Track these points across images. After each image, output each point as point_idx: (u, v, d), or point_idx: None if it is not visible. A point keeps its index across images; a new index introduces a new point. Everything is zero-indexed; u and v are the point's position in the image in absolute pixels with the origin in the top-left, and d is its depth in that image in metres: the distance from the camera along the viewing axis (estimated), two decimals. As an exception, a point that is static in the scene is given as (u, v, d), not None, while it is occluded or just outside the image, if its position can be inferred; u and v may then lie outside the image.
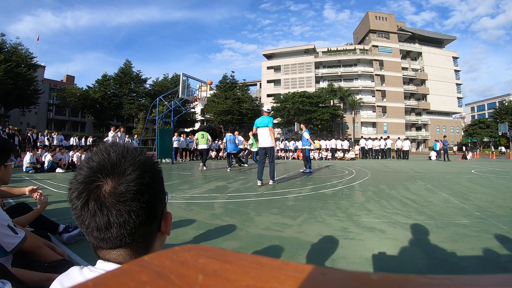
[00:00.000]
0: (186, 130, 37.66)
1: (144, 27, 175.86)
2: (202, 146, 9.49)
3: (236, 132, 10.58)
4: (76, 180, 0.50)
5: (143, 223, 0.50)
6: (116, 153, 0.51)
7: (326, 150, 18.97)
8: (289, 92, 37.35)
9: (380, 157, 18.67)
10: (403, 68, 43.06)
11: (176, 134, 14.31)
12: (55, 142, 13.76)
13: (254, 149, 10.67)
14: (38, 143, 12.56)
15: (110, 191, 0.48)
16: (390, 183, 5.84)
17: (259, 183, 5.24)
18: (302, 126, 8.80)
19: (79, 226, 0.50)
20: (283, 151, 20.06)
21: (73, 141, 17.85)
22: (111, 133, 10.86)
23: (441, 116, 44.40)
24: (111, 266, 0.49)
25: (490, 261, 1.88)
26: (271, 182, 5.41)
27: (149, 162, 0.53)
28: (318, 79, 43.22)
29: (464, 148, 29.29)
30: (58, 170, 8.24)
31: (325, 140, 20.06)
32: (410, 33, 44.50)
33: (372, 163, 13.31)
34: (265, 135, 5.50)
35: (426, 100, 43.27)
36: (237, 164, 10.20)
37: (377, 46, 42.77)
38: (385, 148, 18.70)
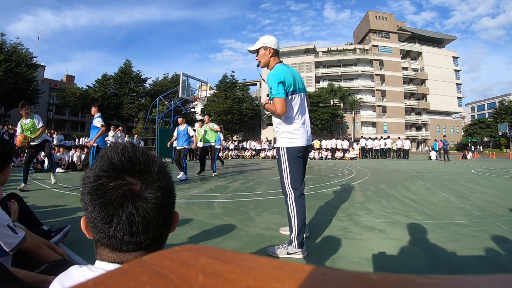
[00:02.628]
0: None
1: (144, 27, 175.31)
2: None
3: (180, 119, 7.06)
4: (99, 184, 0.47)
5: (168, 225, 0.53)
6: (142, 155, 0.51)
7: (326, 150, 18.98)
8: (289, 92, 37.30)
9: (380, 157, 18.68)
10: (403, 68, 43.02)
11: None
12: (55, 142, 13.76)
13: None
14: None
15: (144, 194, 0.48)
16: (390, 182, 5.84)
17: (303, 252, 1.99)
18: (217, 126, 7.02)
19: (100, 232, 0.48)
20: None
21: (82, 141, 18.16)
22: (111, 133, 10.84)
23: (441, 116, 44.38)
24: (111, 266, 0.49)
25: (490, 261, 1.87)
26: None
27: (168, 167, 0.55)
28: (318, 79, 43.18)
29: (467, 148, 29.26)
30: (58, 170, 8.24)
31: (325, 140, 20.08)
32: (410, 33, 44.46)
33: (372, 163, 13.31)
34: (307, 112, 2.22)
35: (426, 100, 43.24)
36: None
37: (377, 46, 42.73)
38: (385, 148, 18.72)
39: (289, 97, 2.05)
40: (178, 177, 6.12)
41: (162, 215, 0.49)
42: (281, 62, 2.17)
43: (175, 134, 6.69)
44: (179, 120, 6.56)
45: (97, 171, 0.48)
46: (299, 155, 2.09)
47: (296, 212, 1.99)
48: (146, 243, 0.49)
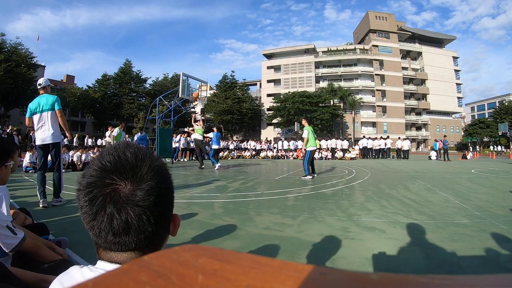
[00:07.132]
0: (186, 130, 37.62)
1: (144, 26, 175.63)
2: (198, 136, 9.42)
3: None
4: (88, 182, 0.48)
5: (159, 228, 0.50)
6: (133, 155, 0.50)
7: (326, 150, 18.98)
8: (289, 92, 37.32)
9: (380, 157, 18.68)
10: (403, 68, 43.01)
11: (175, 135, 14.28)
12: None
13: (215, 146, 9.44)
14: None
15: (129, 195, 0.47)
16: (390, 182, 5.84)
17: None
18: (214, 128, 9.44)
19: (90, 229, 0.49)
20: (283, 151, 20.10)
21: (90, 141, 18.34)
22: (108, 133, 10.84)
23: (441, 116, 44.37)
24: (111, 266, 0.49)
25: (490, 261, 1.88)
26: None
27: (163, 167, 0.53)
28: (318, 79, 43.17)
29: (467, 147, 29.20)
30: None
31: (325, 140, 20.08)
32: (410, 33, 44.45)
33: (372, 163, 13.31)
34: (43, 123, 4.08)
35: (426, 100, 43.23)
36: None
37: (377, 46, 42.72)
38: (385, 148, 18.71)
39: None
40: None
41: (147, 218, 0.48)
42: (42, 94, 3.98)
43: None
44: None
45: (90, 170, 0.49)
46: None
47: None
48: (132, 246, 0.48)
